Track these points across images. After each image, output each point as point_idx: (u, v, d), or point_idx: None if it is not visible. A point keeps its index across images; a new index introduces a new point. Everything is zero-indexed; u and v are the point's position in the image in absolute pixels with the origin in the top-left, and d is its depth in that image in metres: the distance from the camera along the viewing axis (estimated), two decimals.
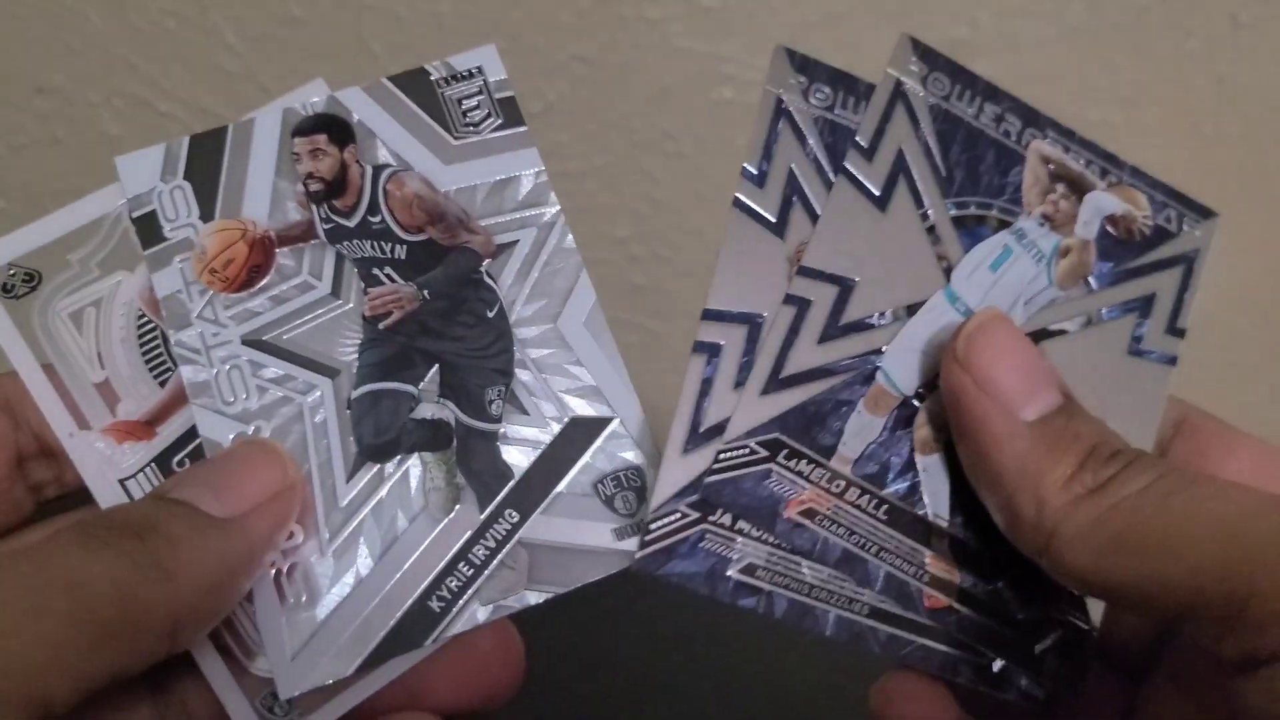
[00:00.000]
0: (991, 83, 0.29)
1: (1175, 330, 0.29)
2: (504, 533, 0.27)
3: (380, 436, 0.28)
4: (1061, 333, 0.29)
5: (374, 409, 0.28)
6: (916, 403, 0.27)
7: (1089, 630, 0.28)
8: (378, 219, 0.29)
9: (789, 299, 0.27)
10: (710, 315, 0.27)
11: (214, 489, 0.25)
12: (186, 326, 0.28)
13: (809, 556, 0.26)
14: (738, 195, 0.27)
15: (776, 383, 0.27)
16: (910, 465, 0.27)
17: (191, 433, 0.28)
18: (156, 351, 0.28)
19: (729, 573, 0.26)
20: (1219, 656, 0.21)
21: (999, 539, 0.26)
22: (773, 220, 0.27)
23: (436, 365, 0.28)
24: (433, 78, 0.29)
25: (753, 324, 0.27)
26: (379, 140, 0.29)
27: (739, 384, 0.26)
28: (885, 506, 0.27)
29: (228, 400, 0.28)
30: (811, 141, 0.27)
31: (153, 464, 0.28)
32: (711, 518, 0.26)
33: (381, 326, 0.28)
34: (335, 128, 0.29)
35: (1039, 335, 0.28)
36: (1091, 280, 0.29)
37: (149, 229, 0.28)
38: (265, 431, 0.27)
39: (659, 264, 0.52)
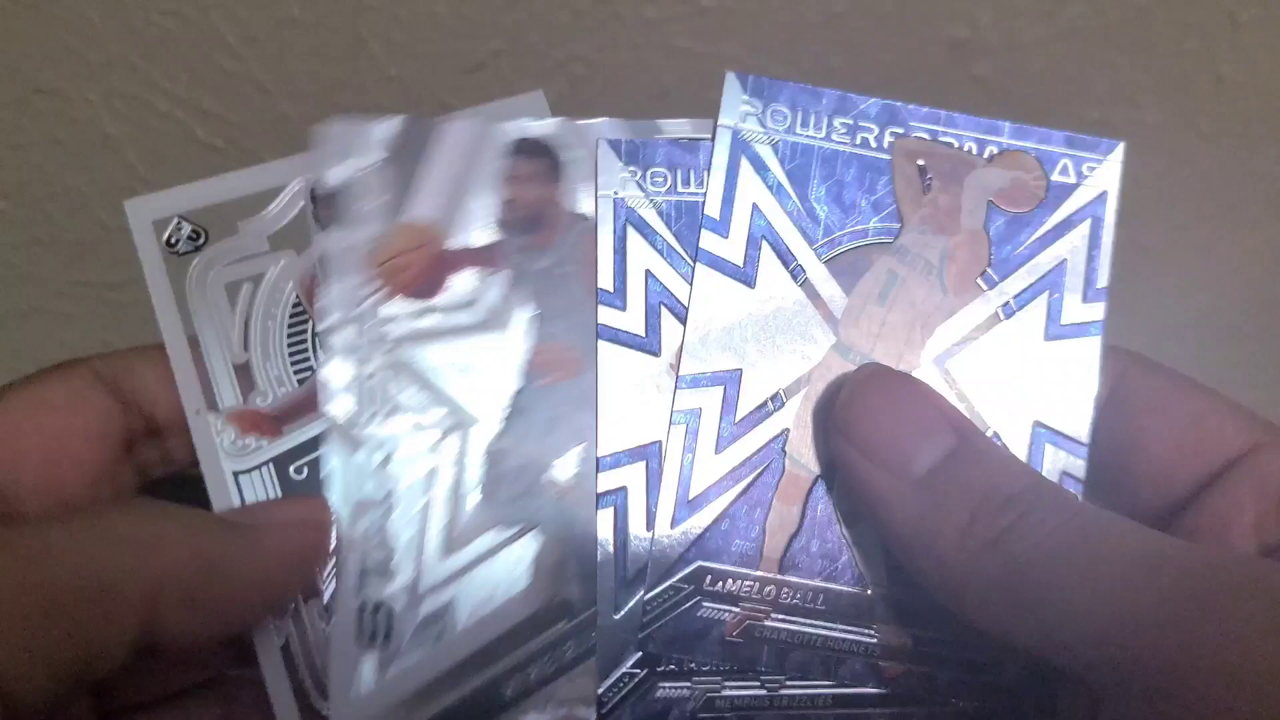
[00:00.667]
0: (839, 91, 0.27)
1: (1095, 294, 0.27)
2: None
3: (509, 498, 0.26)
4: (971, 341, 0.27)
5: (509, 467, 0.26)
6: (835, 474, 0.26)
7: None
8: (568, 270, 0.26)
9: (675, 417, 0.25)
10: (605, 464, 0.25)
11: (239, 511, 0.25)
12: (341, 323, 0.26)
13: (759, 670, 0.26)
14: (601, 323, 0.25)
15: (686, 508, 0.25)
16: (837, 544, 0.26)
17: (315, 443, 0.26)
18: (303, 345, 0.27)
19: (688, 711, 0.26)
20: None
21: None
22: (641, 336, 0.26)
23: (584, 442, 0.26)
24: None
25: (650, 457, 0.25)
26: (595, 189, 0.26)
27: (650, 524, 0.25)
28: (822, 595, 0.26)
29: (361, 413, 0.26)
30: (661, 236, 0.26)
31: (271, 464, 0.26)
32: (659, 668, 0.25)
33: (539, 384, 0.26)
34: (555, 159, 0.27)
35: (947, 355, 0.27)
36: (990, 273, 0.27)
37: (334, 207, 0.26)
38: (396, 454, 0.26)
39: None
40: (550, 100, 0.48)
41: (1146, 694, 0.19)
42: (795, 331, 0.26)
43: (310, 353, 0.27)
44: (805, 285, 0.26)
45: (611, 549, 0.25)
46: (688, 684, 0.25)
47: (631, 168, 0.26)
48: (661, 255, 0.26)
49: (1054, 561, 0.21)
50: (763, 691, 0.26)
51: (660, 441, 0.25)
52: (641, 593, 0.25)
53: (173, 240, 0.26)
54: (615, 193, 0.26)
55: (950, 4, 0.47)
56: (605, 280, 0.25)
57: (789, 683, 0.26)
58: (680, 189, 0.26)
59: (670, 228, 0.26)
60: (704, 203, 0.26)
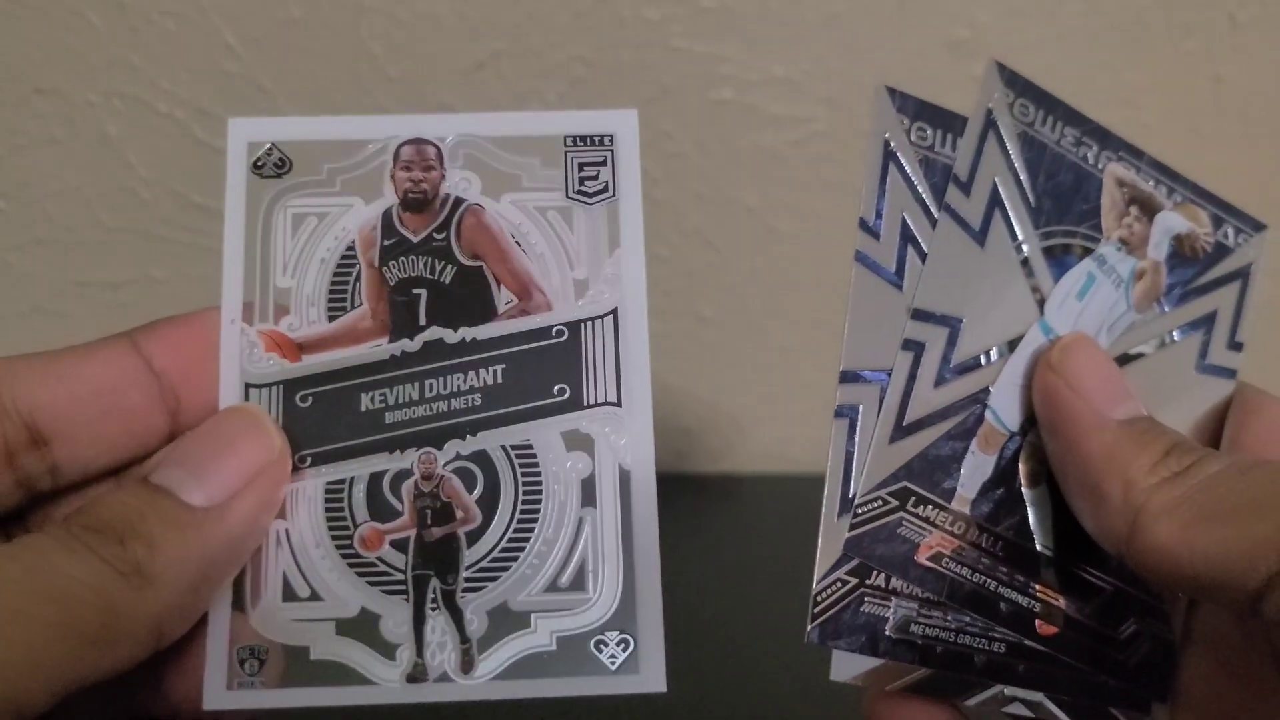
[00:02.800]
0: (1070, 106, 0.30)
1: (1234, 345, 0.31)
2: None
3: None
4: (1140, 355, 0.30)
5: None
6: (1020, 438, 0.29)
7: (1172, 641, 0.29)
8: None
9: (906, 344, 0.28)
10: (846, 378, 0.28)
11: (196, 472, 0.25)
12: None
13: (942, 597, 0.28)
14: (859, 249, 0.28)
15: (900, 431, 0.28)
16: (1019, 500, 0.29)
17: (326, 377, 0.28)
18: (344, 287, 0.28)
19: (887, 632, 0.28)
20: None
21: (1096, 563, 0.28)
22: (891, 269, 0.28)
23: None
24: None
25: (883, 381, 0.28)
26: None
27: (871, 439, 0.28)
28: (1001, 543, 0.28)
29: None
30: (918, 183, 0.28)
31: (281, 385, 0.27)
32: (868, 581, 0.27)
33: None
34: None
35: (1120, 360, 0.29)
36: (1163, 301, 0.30)
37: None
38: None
39: (657, 264, 0.52)
40: (550, 99, 0.48)
41: None
42: (1010, 300, 0.29)
43: (348, 295, 0.28)
44: (1024, 263, 0.29)
45: (842, 457, 0.27)
46: (889, 603, 0.28)
47: (903, 118, 0.28)
48: (916, 203, 0.28)
49: (1239, 478, 0.24)
50: (950, 621, 0.28)
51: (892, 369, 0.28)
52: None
53: (260, 163, 0.28)
54: (887, 134, 0.28)
55: (950, 4, 0.47)
56: (866, 212, 0.28)
57: (962, 633, 0.28)
58: (938, 148, 0.28)
59: (926, 179, 0.28)
60: (954, 162, 0.29)
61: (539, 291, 0.28)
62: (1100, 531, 0.26)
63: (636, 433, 0.28)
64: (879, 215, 0.28)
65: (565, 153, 0.29)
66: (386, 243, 0.28)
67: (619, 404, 0.28)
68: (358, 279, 0.28)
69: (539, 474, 0.27)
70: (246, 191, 0.28)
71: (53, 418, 0.26)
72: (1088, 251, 0.29)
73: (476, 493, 0.27)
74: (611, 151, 0.29)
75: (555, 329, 0.28)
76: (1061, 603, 0.28)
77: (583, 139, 0.29)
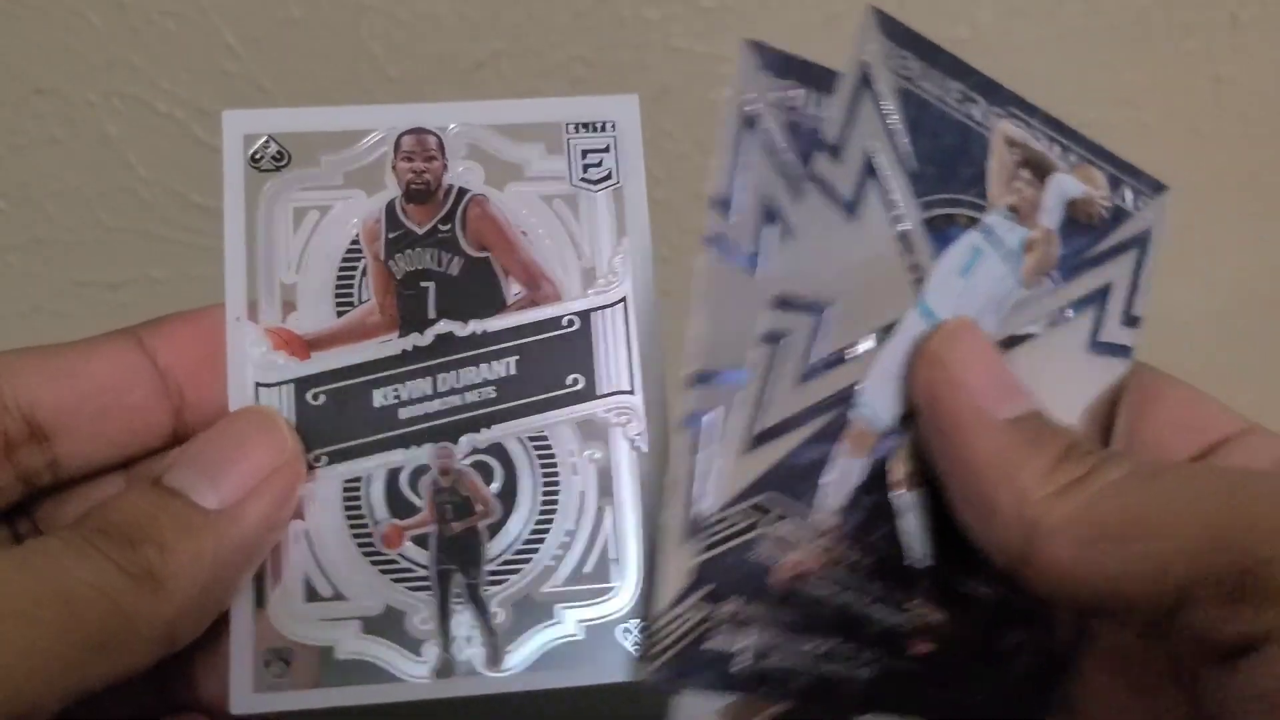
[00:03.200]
0: (956, 56, 0.26)
1: (1130, 320, 0.28)
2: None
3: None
4: (1029, 336, 0.27)
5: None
6: (896, 437, 0.25)
7: (1058, 652, 0.27)
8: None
9: (764, 337, 0.24)
10: (693, 382, 0.24)
11: (209, 474, 0.24)
12: None
13: (805, 621, 0.25)
14: (709, 232, 0.24)
15: (757, 437, 0.24)
16: (892, 507, 0.26)
17: (337, 374, 0.27)
18: (349, 282, 0.28)
19: (740, 666, 0.24)
20: (1212, 643, 0.20)
21: (975, 572, 0.25)
22: (747, 253, 0.24)
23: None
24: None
25: (738, 381, 0.24)
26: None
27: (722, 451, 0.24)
28: (871, 557, 0.25)
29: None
30: (782, 152, 0.24)
31: (293, 384, 0.27)
32: (718, 609, 0.24)
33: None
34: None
35: (1009, 341, 0.27)
36: (1054, 275, 0.27)
37: None
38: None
39: (658, 264, 0.52)
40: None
41: (1266, 593, 0.20)
42: (885, 281, 0.25)
43: (355, 290, 0.28)
44: (902, 237, 0.25)
45: (689, 472, 0.24)
46: (743, 633, 0.24)
47: (766, 74, 0.24)
48: (777, 172, 0.24)
49: (1143, 489, 0.22)
50: (808, 648, 0.25)
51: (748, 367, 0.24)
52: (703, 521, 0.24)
53: (257, 156, 0.28)
54: (745, 97, 0.24)
55: (950, 4, 0.47)
56: (718, 187, 0.24)
57: (827, 659, 0.25)
58: (808, 110, 0.25)
59: (793, 146, 0.25)
60: (822, 126, 0.25)
61: (547, 281, 0.28)
62: (990, 546, 0.24)
63: (652, 420, 0.27)
64: (733, 190, 0.24)
65: (567, 140, 0.29)
66: (391, 235, 0.28)
67: (633, 392, 0.27)
68: (364, 273, 0.28)
69: (556, 465, 0.27)
70: (245, 186, 0.28)
71: (53, 414, 0.26)
72: (973, 222, 0.26)
73: (495, 486, 0.27)
74: (614, 138, 0.29)
75: (566, 319, 0.28)
76: (938, 617, 0.25)
77: (584, 125, 0.29)
